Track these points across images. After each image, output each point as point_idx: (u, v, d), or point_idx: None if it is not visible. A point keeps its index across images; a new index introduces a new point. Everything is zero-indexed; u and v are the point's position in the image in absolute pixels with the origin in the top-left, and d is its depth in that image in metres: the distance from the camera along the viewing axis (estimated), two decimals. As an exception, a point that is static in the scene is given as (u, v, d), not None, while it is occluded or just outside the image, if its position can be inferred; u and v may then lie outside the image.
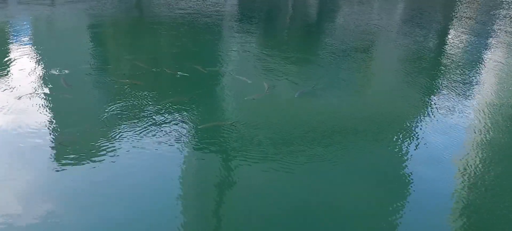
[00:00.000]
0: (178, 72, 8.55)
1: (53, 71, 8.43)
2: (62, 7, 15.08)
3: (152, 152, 5.88)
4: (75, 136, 6.18)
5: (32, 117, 6.66)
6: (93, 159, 5.69)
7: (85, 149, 5.89)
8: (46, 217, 4.66)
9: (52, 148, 5.95)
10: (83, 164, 5.60)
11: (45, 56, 9.60)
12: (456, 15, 18.38)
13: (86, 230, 4.56)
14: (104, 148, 5.91)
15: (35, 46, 10.28)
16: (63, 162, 5.61)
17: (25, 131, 6.24)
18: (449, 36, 14.60)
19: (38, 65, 8.95)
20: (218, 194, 5.40)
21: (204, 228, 4.91)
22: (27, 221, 4.60)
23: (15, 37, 11.01)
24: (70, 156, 5.74)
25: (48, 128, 6.43)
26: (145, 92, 7.56)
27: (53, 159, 5.68)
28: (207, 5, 16.82)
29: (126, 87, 7.82)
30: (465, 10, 19.60)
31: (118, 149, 5.89)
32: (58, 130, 6.47)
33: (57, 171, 5.44)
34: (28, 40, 10.73)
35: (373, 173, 5.86)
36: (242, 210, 5.10)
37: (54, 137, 6.21)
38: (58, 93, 7.55)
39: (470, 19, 17.80)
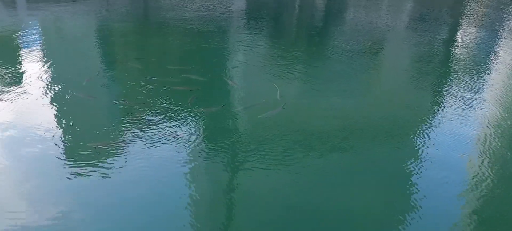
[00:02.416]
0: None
1: (73, 78, 8.47)
2: (69, 9, 15.12)
3: (169, 159, 5.88)
4: (105, 141, 6.17)
5: (47, 120, 6.72)
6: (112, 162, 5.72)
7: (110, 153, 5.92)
8: (57, 222, 4.67)
9: (67, 153, 5.94)
10: (102, 169, 5.60)
11: (61, 63, 9.63)
12: (466, 12, 18.19)
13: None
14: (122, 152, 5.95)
15: (48, 54, 10.29)
16: (78, 167, 5.61)
17: (40, 136, 6.27)
18: (460, 34, 14.44)
19: (53, 72, 8.97)
20: (227, 198, 5.34)
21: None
22: (40, 225, 4.62)
23: (31, 43, 10.99)
24: (87, 161, 5.73)
25: (67, 133, 6.46)
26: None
27: (68, 165, 5.67)
28: (216, 6, 16.80)
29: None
30: (476, 7, 19.38)
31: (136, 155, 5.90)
32: (81, 135, 6.48)
33: (73, 176, 5.43)
34: (40, 48, 10.70)
35: (383, 176, 5.78)
36: (251, 215, 5.04)
37: (76, 143, 6.22)
38: (80, 98, 7.60)
39: (481, 16, 17.59)
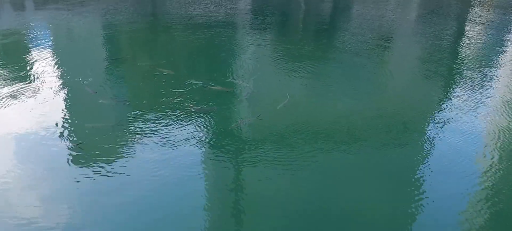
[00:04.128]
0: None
1: (78, 77, 8.51)
2: (77, 11, 15.18)
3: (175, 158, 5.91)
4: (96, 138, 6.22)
5: (54, 117, 6.85)
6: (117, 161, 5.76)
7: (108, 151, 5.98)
8: (62, 221, 4.73)
9: (73, 150, 6.02)
10: (103, 166, 5.66)
11: (68, 62, 9.68)
12: (473, 9, 17.97)
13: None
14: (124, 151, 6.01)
15: (58, 55, 10.34)
16: (86, 165, 5.68)
17: (46, 134, 6.36)
18: (471, 30, 14.27)
19: (61, 71, 9.05)
20: (233, 199, 5.35)
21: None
22: (45, 224, 4.69)
23: (39, 44, 11.03)
24: (93, 159, 5.80)
25: (70, 129, 6.53)
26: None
27: (73, 162, 5.76)
28: (221, 6, 16.78)
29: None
30: (483, 4, 19.15)
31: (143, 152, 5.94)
32: (82, 131, 6.54)
33: (78, 174, 5.51)
34: (49, 49, 10.68)
35: (392, 176, 5.75)
36: (256, 216, 5.05)
37: (76, 139, 6.29)
38: (86, 96, 7.67)
39: (488, 12, 17.37)
